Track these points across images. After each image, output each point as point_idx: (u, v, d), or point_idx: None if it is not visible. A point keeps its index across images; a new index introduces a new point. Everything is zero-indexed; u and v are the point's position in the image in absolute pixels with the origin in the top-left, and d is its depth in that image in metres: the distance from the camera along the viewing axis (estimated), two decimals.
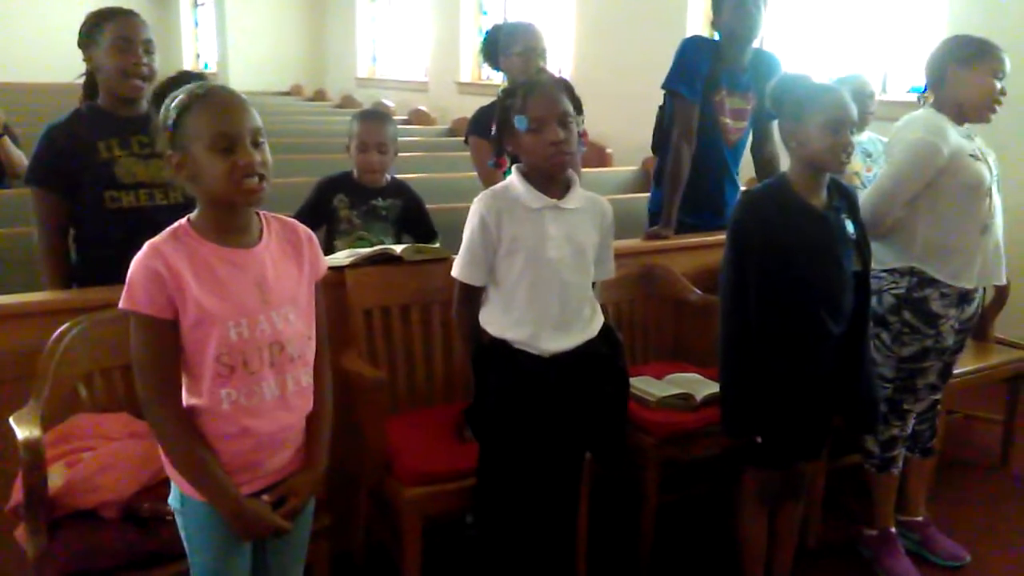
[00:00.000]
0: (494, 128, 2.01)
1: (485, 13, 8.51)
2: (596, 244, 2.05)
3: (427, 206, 3.86)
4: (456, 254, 2.59)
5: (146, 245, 1.52)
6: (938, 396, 2.73)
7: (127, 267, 1.53)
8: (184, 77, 1.61)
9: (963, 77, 2.45)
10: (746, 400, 2.16)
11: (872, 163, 3.56)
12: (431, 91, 8.90)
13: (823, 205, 2.13)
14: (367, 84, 10.24)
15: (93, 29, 2.35)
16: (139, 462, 1.85)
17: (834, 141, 2.04)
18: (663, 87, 3.26)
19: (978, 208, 2.47)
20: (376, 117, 2.86)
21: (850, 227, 2.17)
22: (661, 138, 3.34)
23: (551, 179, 1.98)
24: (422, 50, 9.33)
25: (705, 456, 2.59)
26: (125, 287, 1.51)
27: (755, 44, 3.27)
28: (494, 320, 2.03)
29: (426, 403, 2.56)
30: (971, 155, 2.46)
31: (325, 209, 2.84)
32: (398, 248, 2.54)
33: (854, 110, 2.07)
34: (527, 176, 1.99)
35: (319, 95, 9.99)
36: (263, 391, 1.58)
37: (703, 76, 3.18)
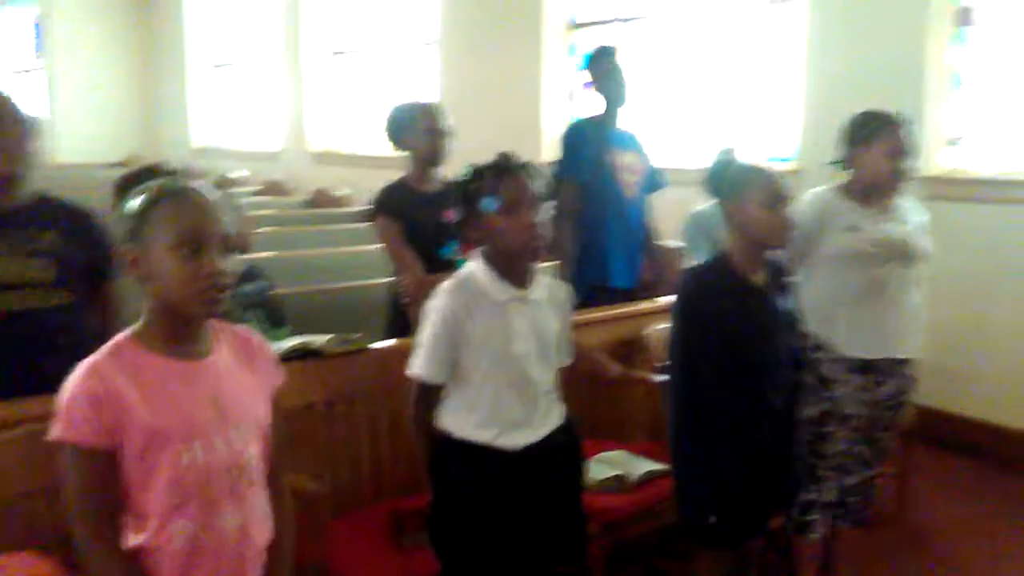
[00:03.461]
0: (458, 210, 1.90)
1: (337, 83, 8.39)
2: (558, 332, 1.98)
3: (293, 287, 3.57)
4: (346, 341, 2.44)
5: (83, 365, 1.35)
6: (873, 472, 2.73)
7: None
8: (154, 170, 1.44)
9: (862, 158, 2.55)
10: (702, 481, 2.13)
11: None
12: (283, 160, 8.64)
13: (763, 283, 2.16)
14: (208, 154, 9.83)
15: None
16: None
17: (775, 218, 2.08)
18: (557, 178, 3.41)
19: (856, 277, 2.54)
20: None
21: (785, 303, 2.21)
22: None
23: (516, 266, 1.89)
24: (271, 119, 9.09)
25: (647, 536, 2.54)
26: (60, 415, 1.32)
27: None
28: (456, 420, 1.90)
29: (355, 504, 2.37)
30: (848, 228, 2.54)
31: None
32: (318, 340, 2.37)
33: (787, 186, 2.12)
34: (490, 262, 1.88)
35: None
36: (223, 523, 1.40)
37: (591, 151, 3.42)
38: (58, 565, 1.69)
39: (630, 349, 3.06)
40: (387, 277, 3.82)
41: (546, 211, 1.87)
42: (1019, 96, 4.07)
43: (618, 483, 2.52)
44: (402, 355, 2.47)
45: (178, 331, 1.41)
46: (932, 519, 3.54)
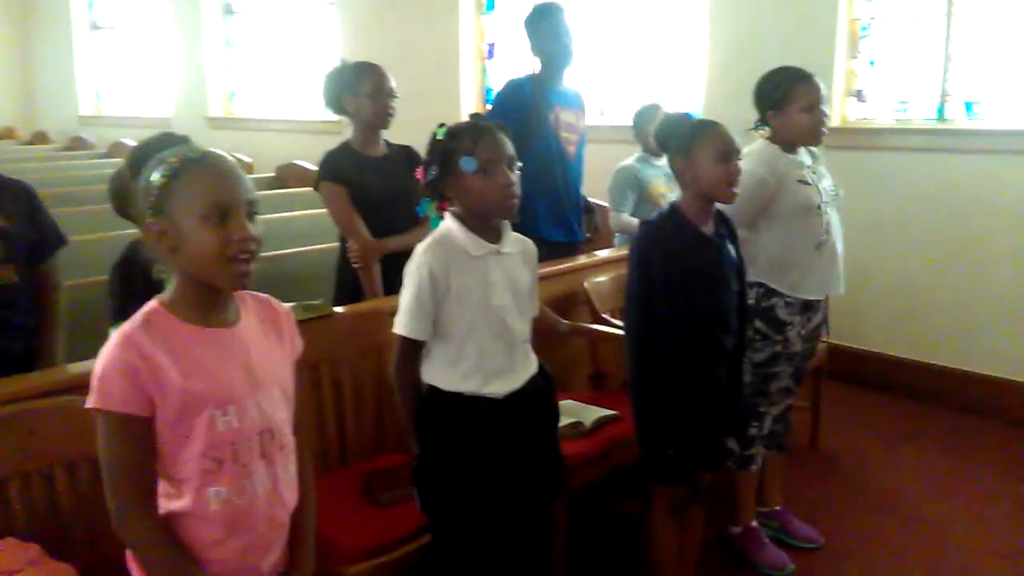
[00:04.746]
0: (433, 170, 1.92)
1: (231, 46, 8.13)
2: (529, 284, 2.06)
3: None
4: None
5: (116, 334, 1.34)
6: (791, 399, 2.97)
7: None
8: (167, 139, 1.43)
9: (780, 119, 2.69)
10: (660, 417, 2.25)
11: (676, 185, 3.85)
12: (176, 127, 8.30)
13: (712, 233, 2.29)
14: (94, 122, 9.39)
15: None
16: None
17: (725, 172, 2.19)
18: None
19: (810, 226, 2.71)
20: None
21: (732, 252, 2.35)
22: None
23: (489, 223, 1.95)
24: (162, 84, 8.73)
25: (605, 478, 2.66)
26: (95, 383, 1.32)
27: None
28: (443, 373, 1.95)
29: (323, 469, 2.40)
30: (800, 180, 2.70)
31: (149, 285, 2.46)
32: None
33: (737, 142, 2.24)
34: (463, 221, 1.94)
35: (40, 137, 8.97)
36: (255, 486, 1.44)
37: (530, 106, 3.37)
38: (42, 551, 1.69)
39: (571, 302, 3.17)
40: (306, 246, 3.89)
41: (519, 170, 1.93)
42: (921, 48, 4.32)
43: (573, 429, 2.63)
44: (365, 319, 2.54)
45: (207, 300, 1.41)
46: (841, 447, 3.83)
